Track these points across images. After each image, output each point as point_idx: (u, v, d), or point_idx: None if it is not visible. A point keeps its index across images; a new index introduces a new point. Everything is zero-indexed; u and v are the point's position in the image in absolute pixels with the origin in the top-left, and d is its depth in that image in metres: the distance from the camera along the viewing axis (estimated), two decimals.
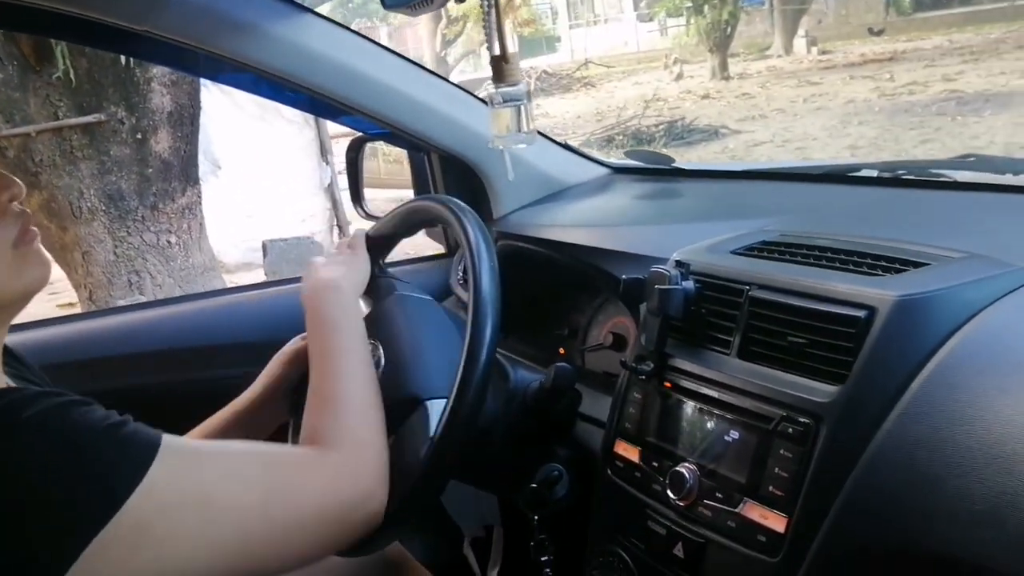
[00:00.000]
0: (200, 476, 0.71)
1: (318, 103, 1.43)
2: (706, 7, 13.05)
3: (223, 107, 5.60)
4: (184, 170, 4.32)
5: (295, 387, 1.15)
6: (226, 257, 5.32)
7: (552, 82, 13.83)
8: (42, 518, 0.63)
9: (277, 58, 1.30)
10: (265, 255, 5.15)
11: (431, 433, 0.91)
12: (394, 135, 1.50)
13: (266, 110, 5.74)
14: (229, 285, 4.88)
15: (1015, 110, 7.72)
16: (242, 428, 1.11)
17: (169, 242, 4.29)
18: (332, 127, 5.72)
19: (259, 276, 5.35)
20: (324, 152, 5.69)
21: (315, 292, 1.00)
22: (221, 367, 1.51)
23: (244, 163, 5.77)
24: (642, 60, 15.82)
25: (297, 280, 1.79)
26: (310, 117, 5.58)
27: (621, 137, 8.87)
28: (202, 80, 4.26)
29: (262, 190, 5.79)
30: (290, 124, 5.70)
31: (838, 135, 8.25)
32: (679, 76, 13.48)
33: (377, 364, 1.02)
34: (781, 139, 8.49)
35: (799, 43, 14.48)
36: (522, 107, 1.03)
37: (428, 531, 1.55)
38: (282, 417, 1.15)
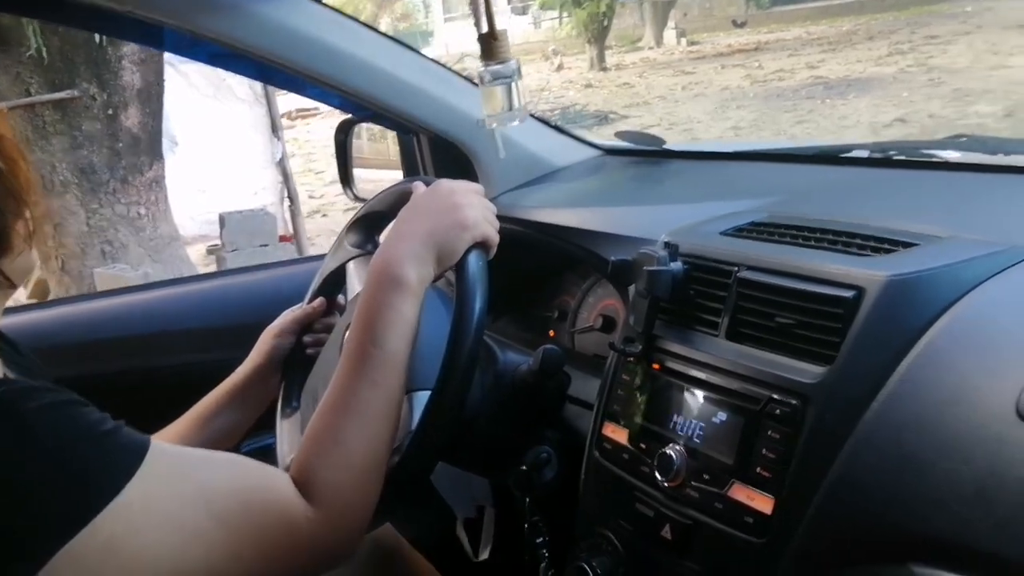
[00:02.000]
0: (178, 501, 0.68)
1: (305, 84, 1.41)
2: (584, 0, 13.17)
3: (178, 86, 5.77)
4: (151, 145, 4.52)
5: (287, 357, 1.15)
6: (183, 230, 5.44)
7: None
8: (16, 517, 0.62)
9: (263, 38, 1.29)
10: (223, 227, 5.24)
11: (412, 427, 0.91)
12: (382, 116, 1.49)
13: (219, 89, 5.95)
14: (190, 256, 5.08)
15: (875, 93, 8.49)
16: (234, 407, 1.10)
17: (139, 213, 4.46)
18: (283, 104, 5.92)
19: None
20: (275, 128, 5.83)
21: (380, 276, 0.87)
22: (215, 350, 1.50)
23: (199, 140, 5.97)
24: (517, 53, 15.82)
25: (291, 263, 1.78)
26: (261, 95, 5.77)
27: None
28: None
29: (216, 165, 5.98)
30: (241, 102, 5.91)
31: (719, 118, 8.74)
32: (560, 67, 13.72)
33: None
34: (668, 123, 8.91)
35: (669, 35, 14.92)
36: (513, 84, 1.01)
37: (420, 513, 1.54)
38: (274, 392, 1.14)
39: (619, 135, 1.58)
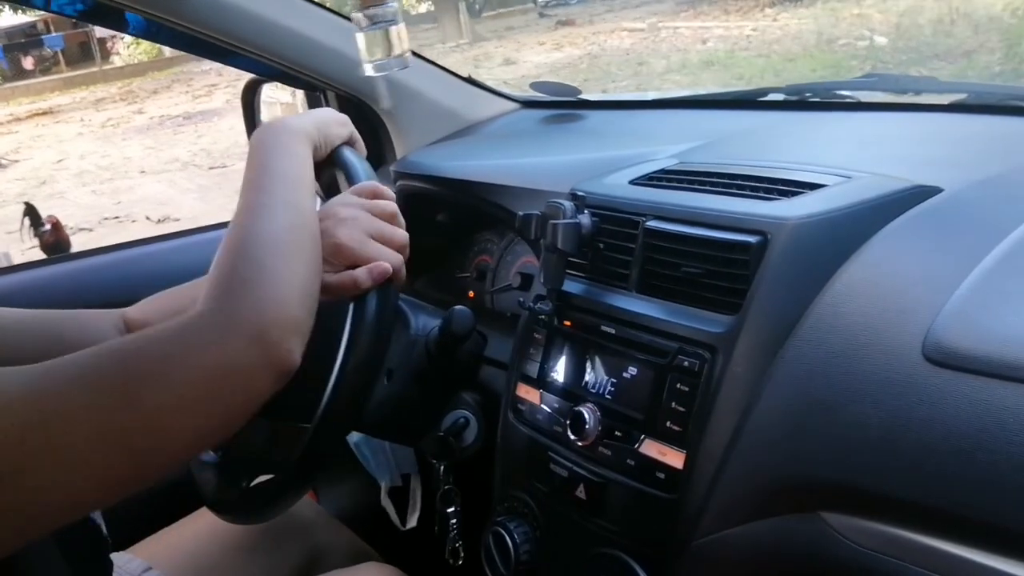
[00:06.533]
0: (39, 398, 0.57)
1: (203, 43, 1.33)
2: None
3: None
4: None
5: None
6: None
7: None
8: None
9: None
10: None
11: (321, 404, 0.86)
12: (287, 75, 1.41)
13: None
14: None
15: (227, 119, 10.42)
16: None
17: None
18: None
19: None
20: None
21: (262, 131, 0.81)
22: None
23: None
24: None
25: (212, 228, 1.69)
26: None
27: None
28: None
29: None
30: None
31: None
32: None
33: None
34: None
35: None
36: (392, 29, 0.95)
37: (342, 484, 1.51)
38: None
39: (534, 86, 1.53)
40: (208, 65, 15.21)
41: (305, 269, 0.71)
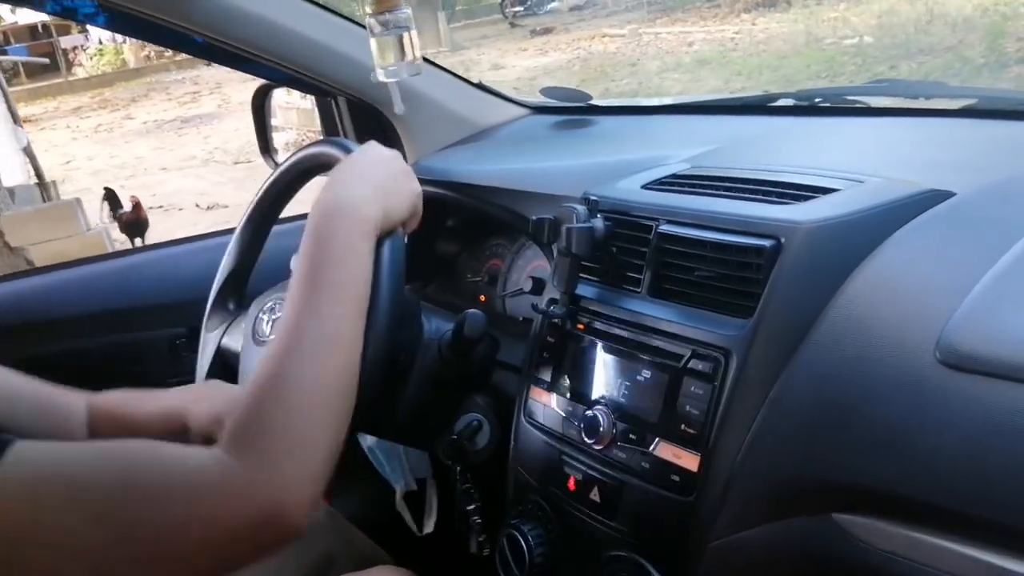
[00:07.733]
0: (47, 502, 0.56)
1: (210, 48, 1.34)
2: None
3: None
4: None
5: None
6: None
7: None
8: None
9: (170, 3, 1.22)
10: (13, 196, 5.80)
11: None
12: (298, 80, 1.42)
13: None
14: None
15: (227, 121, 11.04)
16: None
17: None
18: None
19: None
20: (16, 119, 6.69)
21: (327, 209, 0.74)
22: (143, 328, 1.43)
23: None
24: None
25: (216, 235, 1.71)
26: None
27: None
28: None
29: None
30: None
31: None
32: None
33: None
34: None
35: None
36: (405, 35, 0.96)
37: (358, 489, 1.51)
38: None
39: (545, 92, 1.54)
40: (181, 74, 15.80)
41: (340, 423, 0.68)
